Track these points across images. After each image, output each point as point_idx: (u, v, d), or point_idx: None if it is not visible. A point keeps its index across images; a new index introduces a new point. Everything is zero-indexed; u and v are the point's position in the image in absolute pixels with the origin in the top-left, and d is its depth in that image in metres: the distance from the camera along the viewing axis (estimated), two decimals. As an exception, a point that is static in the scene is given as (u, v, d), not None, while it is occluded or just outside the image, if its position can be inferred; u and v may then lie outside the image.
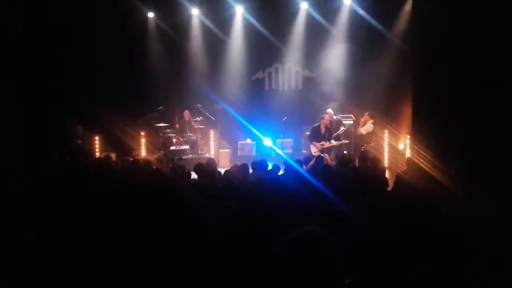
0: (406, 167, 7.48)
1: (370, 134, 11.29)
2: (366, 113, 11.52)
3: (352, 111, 12.38)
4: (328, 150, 11.05)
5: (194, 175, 7.10)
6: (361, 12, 12.27)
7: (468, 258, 2.95)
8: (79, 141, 10.99)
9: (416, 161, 7.52)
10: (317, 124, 11.23)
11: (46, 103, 10.15)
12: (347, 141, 11.38)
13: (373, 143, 11.19)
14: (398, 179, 6.15)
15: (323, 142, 11.04)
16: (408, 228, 3.59)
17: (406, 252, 3.20)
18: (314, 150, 10.98)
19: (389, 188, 5.84)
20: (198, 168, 6.96)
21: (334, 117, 11.87)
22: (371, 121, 11.37)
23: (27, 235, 3.11)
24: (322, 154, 10.46)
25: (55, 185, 5.86)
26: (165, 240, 0.86)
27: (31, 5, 9.94)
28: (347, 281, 1.79)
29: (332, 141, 11.09)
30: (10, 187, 5.18)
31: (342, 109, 12.62)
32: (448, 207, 4.15)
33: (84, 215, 0.90)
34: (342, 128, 11.47)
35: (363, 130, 11.38)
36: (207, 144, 12.68)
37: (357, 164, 8.26)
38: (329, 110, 11.82)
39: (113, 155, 9.54)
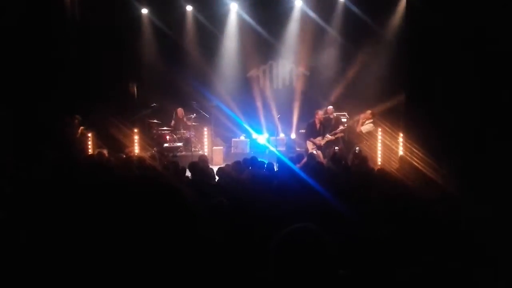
0: (398, 165, 7.54)
1: (370, 133, 11.20)
2: (369, 112, 11.32)
3: (346, 108, 12.42)
4: (325, 146, 11.05)
5: (187, 173, 7.11)
6: (355, 9, 12.30)
7: (460, 255, 2.97)
8: (76, 135, 10.98)
9: (409, 159, 7.58)
10: (311, 121, 11.26)
11: (38, 100, 10.07)
12: (342, 134, 11.35)
13: (366, 142, 11.18)
14: (390, 176, 6.19)
15: (319, 138, 11.06)
16: (400, 225, 3.62)
17: (398, 248, 3.23)
18: (311, 146, 11.00)
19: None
20: (192, 166, 6.96)
21: (334, 114, 11.89)
22: (371, 120, 11.30)
23: (20, 234, 3.11)
24: (317, 151, 10.51)
25: (48, 182, 5.84)
26: (160, 236, 0.86)
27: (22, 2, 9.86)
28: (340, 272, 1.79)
29: (327, 135, 11.11)
30: (2, 185, 5.16)
31: (336, 107, 12.66)
32: (440, 204, 4.19)
33: (78, 212, 0.89)
34: (341, 127, 11.43)
35: (363, 128, 11.24)
36: (200, 141, 12.67)
37: (349, 163, 8.30)
38: (330, 107, 11.86)
39: (106, 152, 9.49)
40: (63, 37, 10.95)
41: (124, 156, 8.54)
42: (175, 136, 12.53)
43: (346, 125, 11.68)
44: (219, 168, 6.88)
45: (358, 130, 11.33)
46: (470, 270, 2.69)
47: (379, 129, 11.35)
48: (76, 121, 11.08)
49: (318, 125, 11.12)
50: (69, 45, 11.12)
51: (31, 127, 9.76)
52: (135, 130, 12.08)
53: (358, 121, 11.51)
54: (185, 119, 12.67)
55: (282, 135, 12.73)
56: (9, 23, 9.48)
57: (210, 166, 7.74)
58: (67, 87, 10.92)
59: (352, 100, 12.34)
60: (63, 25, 10.89)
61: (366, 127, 11.23)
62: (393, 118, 11.28)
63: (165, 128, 12.67)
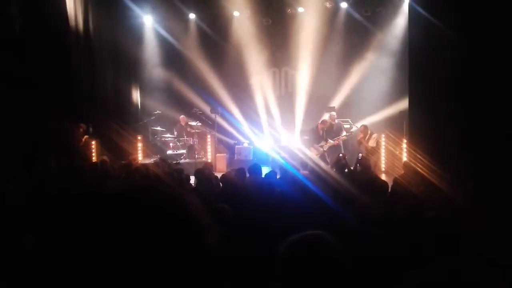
0: (402, 171, 7.50)
1: (377, 143, 11.18)
2: (362, 127, 11.34)
3: (349, 115, 12.40)
4: (328, 152, 11.04)
5: (192, 180, 7.12)
6: (358, 16, 12.32)
7: (464, 262, 2.95)
8: (80, 143, 10.98)
9: (413, 165, 7.54)
10: (314, 126, 11.26)
11: (42, 107, 10.08)
12: (345, 138, 11.35)
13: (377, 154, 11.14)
14: (395, 183, 6.16)
15: (322, 143, 11.05)
16: (404, 232, 3.59)
17: (402, 255, 3.20)
18: (314, 153, 11.00)
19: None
20: (198, 173, 6.97)
21: (336, 120, 11.88)
22: (372, 133, 11.24)
23: (24, 241, 3.10)
24: (320, 157, 10.50)
25: (52, 190, 5.84)
26: (163, 244, 0.85)
27: (29, 7, 9.90)
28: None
29: (330, 140, 11.10)
30: (7, 192, 5.17)
31: (339, 113, 12.64)
32: (443, 210, 4.16)
33: (82, 220, 0.88)
34: (344, 133, 11.42)
35: (371, 144, 11.13)
36: (204, 148, 12.66)
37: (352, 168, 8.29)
38: (333, 113, 11.86)
39: (109, 160, 9.49)
40: (66, 44, 10.98)
41: (128, 163, 8.54)
42: (178, 144, 12.54)
43: (351, 131, 11.67)
44: (222, 175, 6.87)
45: (368, 147, 11.12)
46: (472, 272, 2.67)
47: (383, 135, 11.32)
48: (81, 130, 11.09)
49: (321, 131, 11.13)
50: (73, 52, 11.14)
51: (36, 135, 9.77)
52: (139, 138, 12.10)
53: (361, 140, 11.30)
54: (188, 127, 12.69)
55: (285, 142, 12.71)
56: (15, 29, 9.51)
57: (214, 173, 7.74)
58: (72, 95, 10.94)
59: (355, 107, 12.34)
60: (69, 33, 10.92)
61: (372, 141, 11.15)
62: (396, 124, 11.27)
63: (168, 135, 12.68)
